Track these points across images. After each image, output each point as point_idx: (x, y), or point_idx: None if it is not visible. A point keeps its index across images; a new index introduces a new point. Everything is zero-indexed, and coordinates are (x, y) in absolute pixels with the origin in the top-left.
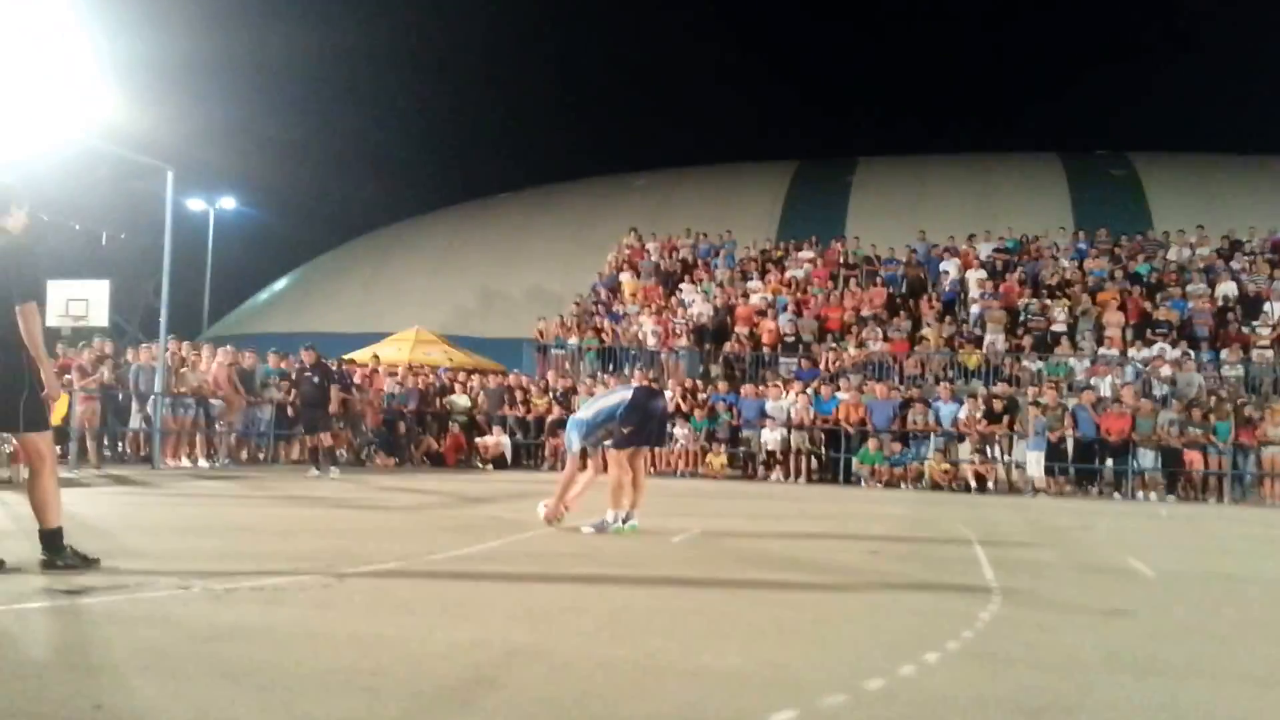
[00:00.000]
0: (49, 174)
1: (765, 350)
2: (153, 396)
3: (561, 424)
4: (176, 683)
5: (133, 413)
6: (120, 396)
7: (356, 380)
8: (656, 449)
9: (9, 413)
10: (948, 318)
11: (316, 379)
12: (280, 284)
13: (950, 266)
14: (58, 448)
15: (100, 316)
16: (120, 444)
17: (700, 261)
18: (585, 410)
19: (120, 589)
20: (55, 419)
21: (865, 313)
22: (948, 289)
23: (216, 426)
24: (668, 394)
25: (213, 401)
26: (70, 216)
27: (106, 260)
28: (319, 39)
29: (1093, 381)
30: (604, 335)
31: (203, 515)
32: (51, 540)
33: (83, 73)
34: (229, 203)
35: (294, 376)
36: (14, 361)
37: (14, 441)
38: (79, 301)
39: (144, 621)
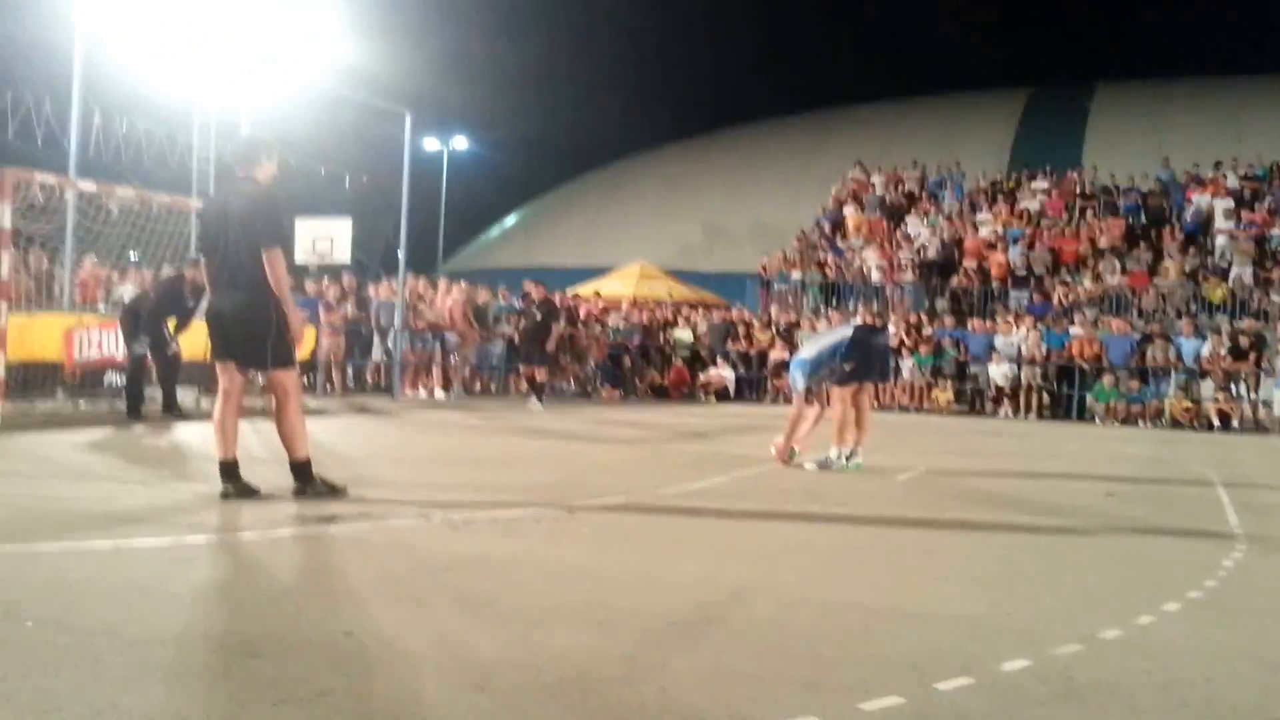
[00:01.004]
0: (298, 120)
1: (994, 284)
2: (393, 330)
3: (785, 365)
4: (418, 611)
5: (374, 345)
6: (363, 330)
7: (583, 315)
8: (882, 384)
9: (258, 351)
10: (1191, 249)
11: (540, 315)
12: (510, 220)
13: (1196, 195)
14: (304, 379)
15: (344, 253)
16: (363, 375)
17: (926, 194)
18: (808, 349)
19: (365, 517)
20: (302, 354)
21: (1102, 244)
22: (1191, 219)
23: (452, 359)
24: (891, 329)
25: (448, 335)
26: (317, 160)
27: (350, 200)
28: None
29: None
30: (827, 269)
31: (440, 446)
32: (301, 470)
33: (325, 17)
34: (462, 142)
35: (520, 309)
36: (262, 303)
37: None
38: (324, 239)
39: (388, 550)
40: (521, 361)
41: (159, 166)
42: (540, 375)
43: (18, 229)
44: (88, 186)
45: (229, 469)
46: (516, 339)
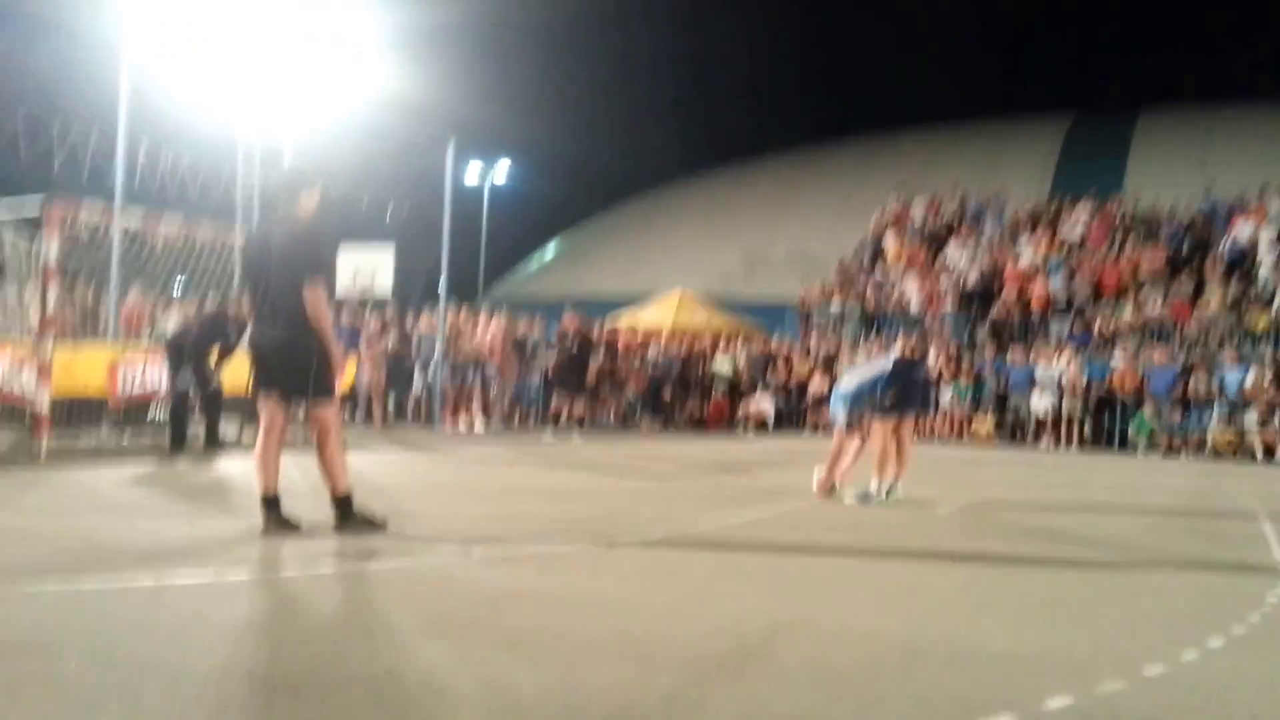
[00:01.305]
0: (341, 150)
1: (1035, 313)
2: (433, 362)
3: (825, 399)
4: (460, 648)
5: (415, 377)
6: (405, 362)
7: (622, 345)
8: (922, 417)
9: (298, 384)
10: (1234, 278)
11: (576, 346)
12: (551, 248)
13: (1240, 223)
14: (345, 412)
15: (385, 284)
16: (404, 407)
17: (967, 222)
18: (848, 381)
19: (406, 553)
20: (343, 386)
21: (1144, 273)
22: (1234, 247)
23: (491, 391)
24: (931, 359)
25: (488, 367)
26: (360, 189)
27: (392, 229)
28: (582, 3)
29: None
30: (867, 299)
31: (479, 478)
32: (342, 505)
33: (368, 47)
34: (503, 171)
35: (555, 341)
36: (303, 336)
37: None
38: (366, 270)
39: (428, 585)
40: (556, 392)
41: (204, 198)
42: (578, 408)
43: (64, 262)
44: (133, 219)
45: (270, 503)
46: (549, 372)
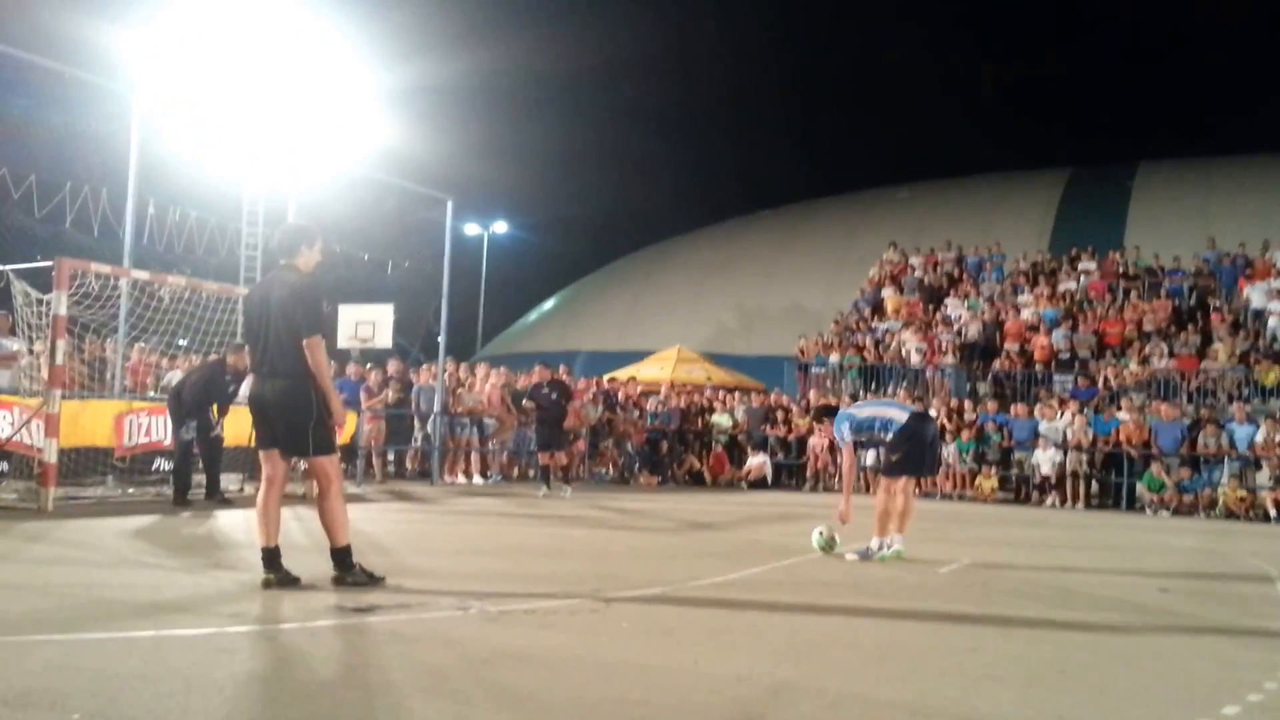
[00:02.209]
0: (343, 207)
1: (1038, 367)
2: (432, 416)
3: (828, 411)
4: (456, 707)
5: (415, 431)
6: (405, 415)
7: (621, 399)
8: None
9: (299, 438)
10: (1242, 332)
11: (554, 396)
12: (549, 304)
13: (1247, 287)
14: (344, 465)
15: (385, 339)
16: (403, 460)
17: (967, 275)
18: (862, 408)
19: (403, 608)
20: (343, 439)
21: (1148, 327)
22: (1241, 300)
23: (490, 445)
24: (933, 413)
25: (486, 420)
26: (360, 246)
27: (392, 285)
28: (577, 63)
29: None
30: (865, 353)
31: (477, 533)
32: (341, 558)
33: (369, 107)
34: (501, 227)
35: (530, 393)
36: (303, 390)
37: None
38: (366, 324)
39: (425, 642)
40: (539, 448)
41: (209, 254)
42: (561, 459)
43: (73, 317)
44: (141, 275)
45: (271, 556)
46: (520, 425)
